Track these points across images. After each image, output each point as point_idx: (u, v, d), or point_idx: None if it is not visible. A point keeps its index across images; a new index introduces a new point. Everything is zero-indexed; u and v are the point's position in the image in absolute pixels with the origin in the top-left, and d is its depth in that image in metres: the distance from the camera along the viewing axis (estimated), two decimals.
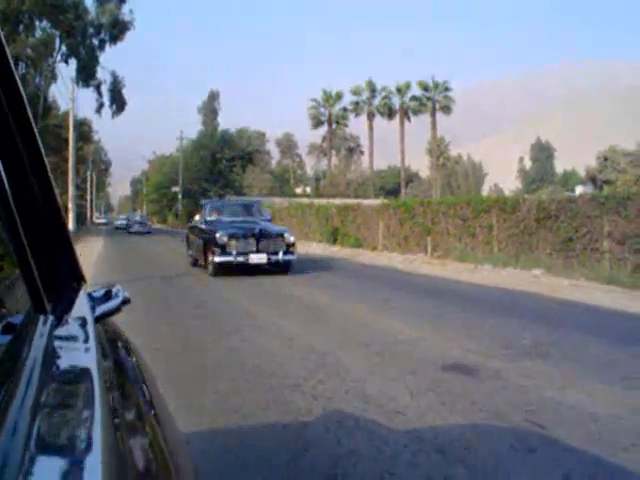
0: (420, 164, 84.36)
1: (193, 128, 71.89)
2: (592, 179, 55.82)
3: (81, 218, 55.20)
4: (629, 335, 7.62)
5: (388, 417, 4.40)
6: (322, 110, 68.31)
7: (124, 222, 60.46)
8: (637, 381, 5.37)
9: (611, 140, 76.91)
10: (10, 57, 1.25)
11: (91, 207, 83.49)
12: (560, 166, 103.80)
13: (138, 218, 59.01)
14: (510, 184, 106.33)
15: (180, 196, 61.04)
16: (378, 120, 66.36)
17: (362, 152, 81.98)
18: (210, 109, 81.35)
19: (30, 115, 1.37)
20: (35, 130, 1.40)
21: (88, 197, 76.14)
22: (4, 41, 1.21)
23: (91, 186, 79.55)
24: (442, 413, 4.51)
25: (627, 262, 13.33)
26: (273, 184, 75.15)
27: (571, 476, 3.41)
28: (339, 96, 67.63)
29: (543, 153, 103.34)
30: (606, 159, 54.21)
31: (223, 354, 6.53)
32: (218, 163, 60.30)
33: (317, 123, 68.63)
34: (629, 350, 6.62)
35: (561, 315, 9.25)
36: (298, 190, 77.96)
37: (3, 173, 1.14)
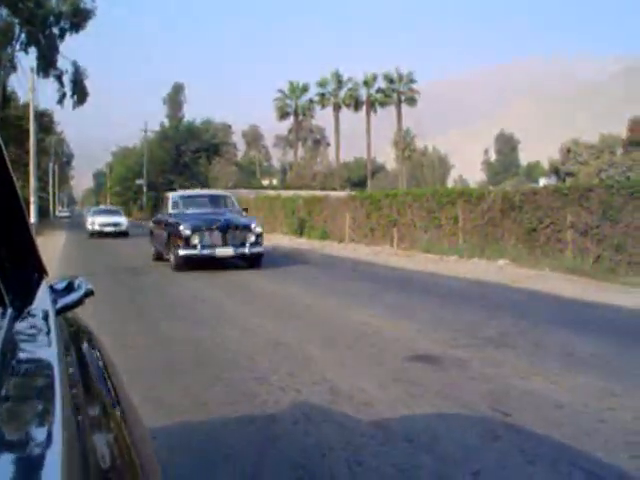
0: (386, 156, 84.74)
1: (158, 120, 71.00)
2: (555, 171, 56.70)
3: (43, 211, 54.08)
4: (590, 323, 7.76)
5: (356, 409, 4.42)
6: (288, 102, 68.15)
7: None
8: (599, 368, 5.48)
9: (574, 133, 78.23)
10: None
11: (54, 200, 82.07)
12: (524, 158, 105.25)
13: (104, 209, 38.98)
14: (475, 176, 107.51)
15: (145, 189, 60.36)
16: (344, 112, 66.44)
17: (328, 144, 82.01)
18: (175, 101, 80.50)
19: None
20: None
21: (50, 190, 74.83)
22: None
23: (53, 178, 78.20)
24: (409, 403, 4.55)
25: (589, 252, 13.58)
26: (239, 176, 74.80)
27: (535, 462, 3.46)
28: (305, 88, 67.54)
29: (507, 145, 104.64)
30: (569, 151, 55.08)
31: (192, 349, 6.48)
32: (183, 155, 59.73)
33: (283, 115, 68.46)
34: (590, 338, 6.75)
35: (525, 305, 9.39)
36: (265, 182, 77.70)
37: None
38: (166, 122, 69.73)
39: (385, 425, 4.07)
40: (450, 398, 4.65)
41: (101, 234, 30.20)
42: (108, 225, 31.14)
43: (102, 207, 42.64)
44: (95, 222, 31.27)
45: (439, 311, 8.59)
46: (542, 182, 33.02)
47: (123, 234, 30.68)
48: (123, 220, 32.25)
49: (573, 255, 13.85)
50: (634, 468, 3.37)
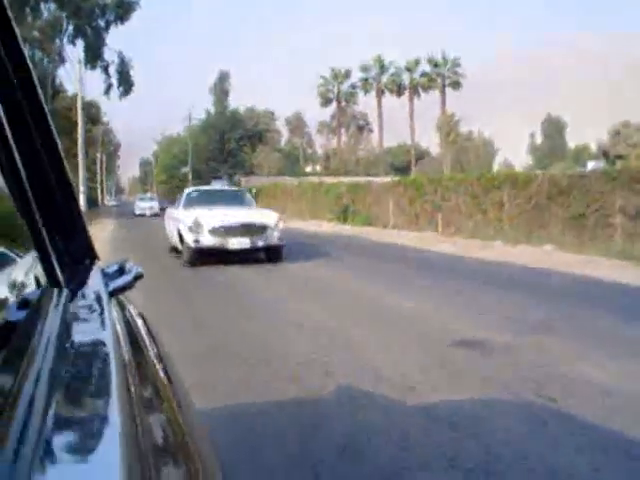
0: (430, 141, 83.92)
1: (204, 108, 71.49)
2: (604, 154, 55.31)
3: (92, 200, 55.24)
4: None
5: (401, 393, 4.43)
6: (330, 88, 67.96)
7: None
8: None
9: (625, 114, 76.03)
10: (21, 41, 1.25)
11: (102, 189, 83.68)
12: (572, 141, 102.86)
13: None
14: (522, 160, 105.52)
15: (190, 177, 61.05)
16: (387, 97, 65.95)
17: (371, 130, 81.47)
18: (221, 89, 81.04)
19: (42, 98, 1.38)
20: (47, 112, 1.41)
21: (98, 179, 76.29)
22: (15, 26, 1.21)
23: (101, 168, 79.69)
24: (454, 388, 4.54)
25: (639, 237, 13.24)
26: (283, 163, 75.04)
27: (583, 449, 3.42)
28: (347, 73, 67.22)
29: (554, 128, 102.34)
30: (618, 133, 53.65)
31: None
32: (227, 143, 60.21)
33: (326, 101, 68.34)
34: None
35: (573, 290, 9.23)
36: (308, 169, 77.73)
37: (17, 154, 1.15)
38: (212, 110, 70.29)
39: (429, 411, 4.08)
40: (496, 384, 4.62)
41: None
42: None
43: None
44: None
45: (485, 296, 8.51)
46: (590, 166, 32.23)
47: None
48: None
49: (622, 240, 13.53)
50: None
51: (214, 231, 12.51)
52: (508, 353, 5.48)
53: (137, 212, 45.95)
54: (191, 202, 14.25)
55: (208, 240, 12.48)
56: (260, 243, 12.67)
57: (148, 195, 59.42)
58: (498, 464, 3.25)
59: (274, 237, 12.81)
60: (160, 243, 16.49)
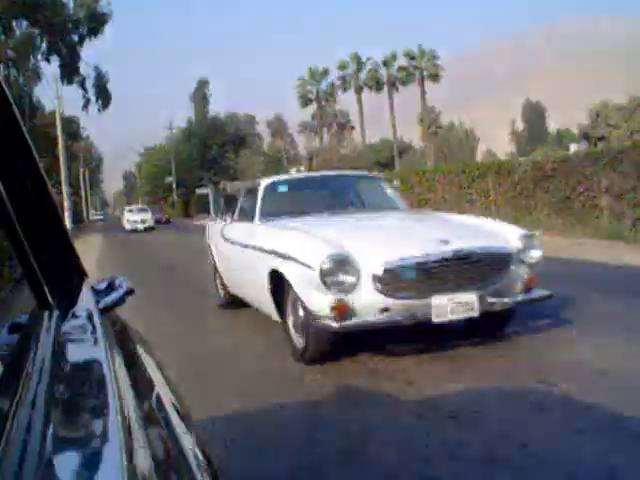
0: (412, 134, 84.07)
1: (184, 117, 71.30)
2: (585, 136, 55.67)
3: (77, 216, 54.96)
4: (633, 288, 7.65)
5: (399, 388, 4.43)
6: (309, 88, 67.90)
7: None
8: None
9: (603, 95, 76.54)
10: None
11: (86, 204, 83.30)
12: (553, 126, 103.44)
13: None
14: (505, 147, 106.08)
15: (174, 186, 60.88)
16: (367, 93, 65.98)
17: (353, 127, 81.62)
18: (201, 97, 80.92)
19: (19, 117, 1.36)
20: (25, 132, 1.40)
21: (82, 194, 75.95)
22: None
23: (84, 183, 79.32)
24: (454, 379, 4.54)
25: (626, 217, 13.33)
26: (267, 166, 74.98)
27: (585, 430, 3.44)
28: (325, 72, 67.19)
29: (535, 114, 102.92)
30: (598, 115, 54.00)
31: None
32: (210, 150, 60.12)
33: (306, 101, 68.22)
34: (634, 304, 6.66)
35: (563, 273, 9.27)
36: (292, 170, 77.70)
37: None
38: (193, 118, 70.17)
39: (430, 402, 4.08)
40: (495, 372, 4.64)
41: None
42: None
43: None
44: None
45: None
46: (573, 149, 32.45)
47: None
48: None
49: (609, 220, 13.62)
50: None
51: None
52: (505, 338, 5.50)
53: (128, 227, 37.49)
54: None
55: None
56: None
57: (138, 206, 47.80)
58: None
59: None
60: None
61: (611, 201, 13.81)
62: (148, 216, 38.77)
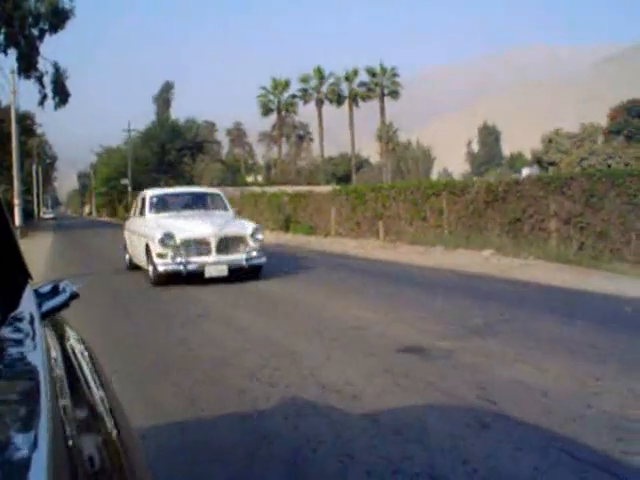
0: (370, 150, 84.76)
1: (146, 119, 70.40)
2: (538, 161, 56.99)
3: (28, 214, 53.56)
4: (576, 311, 7.84)
5: (345, 402, 4.45)
6: (271, 98, 67.98)
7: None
8: (583, 354, 5.54)
9: (556, 123, 78.60)
10: None
11: (38, 202, 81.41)
12: (507, 149, 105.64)
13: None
14: (460, 167, 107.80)
15: (130, 188, 60.00)
16: (327, 107, 66.40)
17: (312, 139, 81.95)
18: (164, 100, 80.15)
19: None
20: None
21: (34, 192, 74.22)
22: None
23: (37, 181, 77.57)
24: (397, 395, 4.58)
25: (573, 240, 13.68)
26: (224, 174, 74.56)
27: (524, 449, 3.51)
28: (287, 84, 67.40)
29: (490, 136, 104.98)
30: (550, 141, 55.38)
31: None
32: (167, 154, 59.49)
33: (266, 111, 68.28)
34: (576, 325, 6.83)
35: (511, 294, 9.46)
36: (249, 179, 77.50)
37: None
38: (154, 121, 69.39)
39: (374, 417, 4.10)
40: (438, 389, 4.69)
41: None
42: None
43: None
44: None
45: (425, 301, 8.64)
46: (525, 172, 33.20)
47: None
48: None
49: (557, 244, 13.95)
50: (620, 451, 3.43)
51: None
52: (449, 357, 5.58)
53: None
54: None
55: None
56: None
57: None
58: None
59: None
60: None
61: (559, 225, 14.16)
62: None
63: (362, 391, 4.68)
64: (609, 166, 35.99)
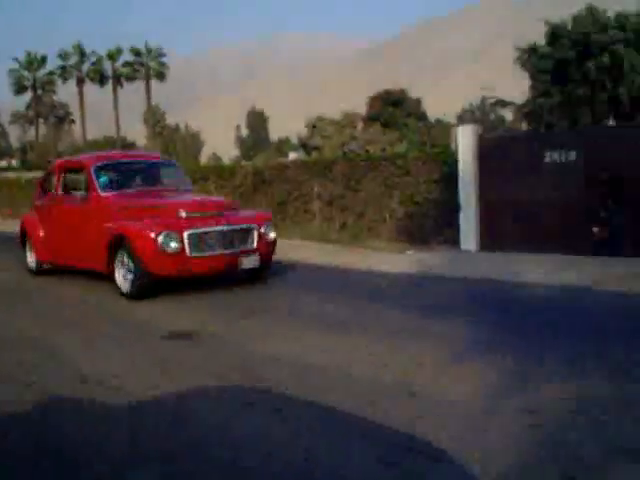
0: (137, 134, 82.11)
1: None
2: (303, 145, 59.34)
3: None
4: (338, 287, 8.31)
5: (108, 394, 4.28)
6: (26, 74, 62.74)
7: None
8: (343, 327, 5.90)
9: (320, 109, 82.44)
10: None
11: None
12: (275, 133, 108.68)
13: None
14: (230, 151, 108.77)
15: None
16: (90, 87, 62.97)
17: (73, 121, 77.16)
18: None
19: None
20: None
21: None
22: None
23: None
24: (164, 381, 4.52)
25: (335, 221, 14.48)
26: None
27: (288, 419, 3.66)
28: (44, 60, 62.65)
29: (259, 121, 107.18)
30: (314, 126, 57.93)
31: None
32: None
33: (20, 88, 62.92)
34: (335, 298, 7.24)
35: (277, 273, 9.75)
36: (2, 163, 71.08)
37: None
38: None
39: (140, 407, 4.01)
40: (207, 372, 4.71)
41: None
42: None
43: None
44: None
45: (197, 286, 8.60)
46: (291, 156, 34.46)
47: None
48: None
49: (320, 224, 14.68)
50: (374, 413, 3.71)
51: None
52: (217, 340, 5.62)
53: None
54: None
55: None
56: None
57: None
58: None
59: None
60: None
61: (322, 206, 14.90)
62: None
63: (126, 382, 4.53)
64: (367, 151, 38.54)
